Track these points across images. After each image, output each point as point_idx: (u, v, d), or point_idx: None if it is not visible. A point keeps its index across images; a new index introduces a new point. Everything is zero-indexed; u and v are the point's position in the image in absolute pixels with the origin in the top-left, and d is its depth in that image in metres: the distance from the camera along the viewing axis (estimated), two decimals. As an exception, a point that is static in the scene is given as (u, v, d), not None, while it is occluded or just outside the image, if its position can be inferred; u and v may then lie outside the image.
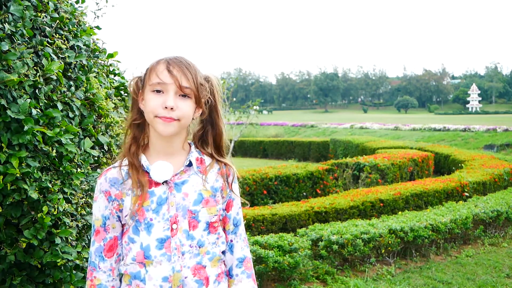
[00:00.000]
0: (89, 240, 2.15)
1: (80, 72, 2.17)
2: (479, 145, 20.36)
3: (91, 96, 2.18)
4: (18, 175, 1.70)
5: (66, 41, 2.08)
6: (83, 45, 2.23)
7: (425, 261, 5.59)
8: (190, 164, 1.53)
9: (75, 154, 1.97)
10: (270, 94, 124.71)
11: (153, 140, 1.52)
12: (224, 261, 1.60)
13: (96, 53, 2.45)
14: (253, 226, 5.93)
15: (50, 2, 2.02)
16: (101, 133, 2.32)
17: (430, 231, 5.62)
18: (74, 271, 2.01)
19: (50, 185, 1.83)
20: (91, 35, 2.34)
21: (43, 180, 1.81)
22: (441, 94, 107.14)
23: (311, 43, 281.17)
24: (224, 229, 1.60)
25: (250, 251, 4.48)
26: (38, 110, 1.80)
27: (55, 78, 1.92)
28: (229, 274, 1.60)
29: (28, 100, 1.73)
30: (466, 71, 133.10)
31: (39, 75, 1.85)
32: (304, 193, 8.74)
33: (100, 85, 2.35)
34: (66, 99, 2.00)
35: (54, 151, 1.83)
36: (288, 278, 4.75)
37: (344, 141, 17.39)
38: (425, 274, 5.15)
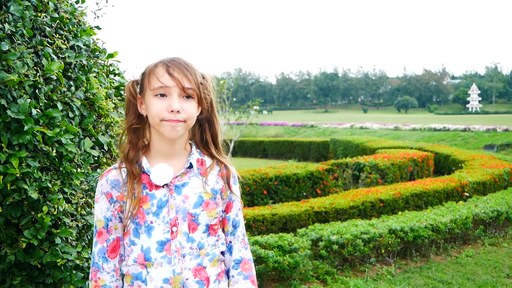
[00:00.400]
0: (89, 240, 2.15)
1: (80, 72, 2.17)
2: (479, 145, 20.37)
3: (91, 96, 2.18)
4: (18, 175, 1.70)
5: (66, 41, 2.07)
6: (83, 45, 2.23)
7: (425, 261, 5.59)
8: (190, 166, 1.53)
9: (75, 154, 1.97)
10: (270, 94, 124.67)
11: (155, 143, 1.52)
12: (223, 260, 1.60)
13: (96, 53, 2.44)
14: (253, 226, 5.93)
15: (50, 2, 2.02)
16: (101, 133, 2.32)
17: (430, 231, 5.62)
18: (74, 271, 2.01)
19: (50, 185, 1.83)
20: (91, 35, 2.34)
21: (43, 180, 1.81)
22: (441, 94, 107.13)
23: (311, 43, 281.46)
24: (223, 230, 1.60)
25: (250, 251, 4.48)
26: (38, 110, 1.80)
27: (55, 78, 1.92)
28: (227, 275, 1.60)
29: (28, 100, 1.73)
30: (466, 71, 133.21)
31: (39, 75, 1.85)
32: (304, 193, 8.74)
33: (100, 85, 2.35)
34: (66, 99, 2.00)
35: (54, 151, 1.83)
36: (288, 278, 4.75)
37: (344, 141, 17.40)
38: (425, 274, 5.15)
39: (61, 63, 1.96)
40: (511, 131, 22.24)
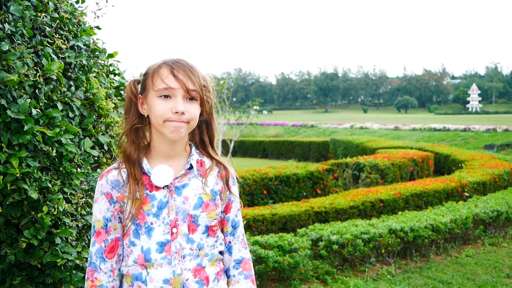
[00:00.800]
0: (89, 240, 2.15)
1: (80, 72, 2.17)
2: (479, 145, 20.37)
3: (91, 96, 2.18)
4: (18, 175, 1.70)
5: (66, 41, 2.07)
6: (83, 45, 2.23)
7: (425, 261, 5.59)
8: (191, 167, 1.53)
9: (75, 154, 1.97)
10: (270, 94, 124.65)
11: (156, 144, 1.52)
12: (222, 260, 1.61)
13: (96, 53, 2.44)
14: (253, 226, 5.93)
15: (50, 2, 2.02)
16: (101, 133, 2.32)
17: (430, 231, 5.62)
18: (74, 271, 2.01)
19: (50, 185, 1.82)
20: (91, 35, 2.34)
21: (43, 180, 1.81)
22: (441, 94, 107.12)
23: (311, 43, 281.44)
24: (222, 231, 1.61)
25: (250, 251, 4.48)
26: (38, 110, 1.80)
27: (55, 78, 1.92)
28: (227, 274, 1.61)
29: (28, 100, 1.72)
30: (466, 71, 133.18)
31: (39, 75, 1.85)
32: (304, 193, 8.74)
33: (100, 85, 2.35)
34: (66, 99, 2.00)
35: (54, 151, 1.83)
36: (288, 278, 4.75)
37: (344, 141, 17.40)
38: (425, 274, 5.15)
39: (61, 63, 1.96)
40: (511, 131, 22.25)
